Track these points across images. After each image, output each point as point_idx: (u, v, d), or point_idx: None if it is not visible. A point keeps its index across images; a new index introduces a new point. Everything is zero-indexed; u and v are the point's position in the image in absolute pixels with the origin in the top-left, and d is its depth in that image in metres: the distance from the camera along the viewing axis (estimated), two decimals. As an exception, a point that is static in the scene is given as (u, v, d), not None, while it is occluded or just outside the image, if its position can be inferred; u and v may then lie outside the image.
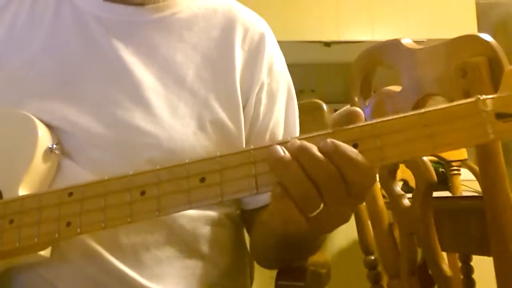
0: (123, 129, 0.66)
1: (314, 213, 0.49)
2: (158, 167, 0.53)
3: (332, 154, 0.47)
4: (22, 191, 0.61)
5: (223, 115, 0.71)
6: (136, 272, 0.64)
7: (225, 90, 0.72)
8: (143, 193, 0.53)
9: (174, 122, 0.68)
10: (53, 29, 0.73)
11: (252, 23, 0.79)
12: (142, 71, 0.70)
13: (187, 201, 0.52)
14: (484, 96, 0.47)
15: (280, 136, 0.76)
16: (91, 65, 0.70)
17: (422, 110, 0.48)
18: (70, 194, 0.56)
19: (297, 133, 0.79)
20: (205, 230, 0.70)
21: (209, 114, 0.70)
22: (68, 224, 0.55)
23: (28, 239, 0.56)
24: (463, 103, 0.48)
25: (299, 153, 0.48)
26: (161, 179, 0.53)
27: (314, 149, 0.48)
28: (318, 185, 0.48)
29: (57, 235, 0.55)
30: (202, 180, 0.52)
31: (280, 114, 0.77)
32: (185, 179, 0.52)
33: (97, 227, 0.55)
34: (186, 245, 0.68)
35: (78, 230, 0.55)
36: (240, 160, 0.51)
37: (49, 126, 0.66)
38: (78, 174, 0.64)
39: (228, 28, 0.76)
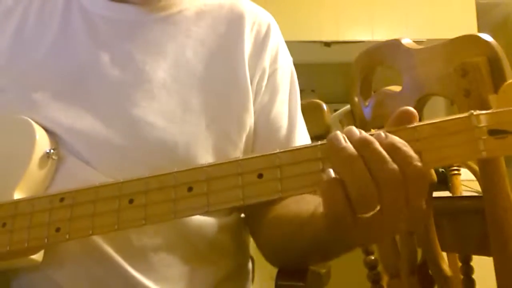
0: (137, 126, 0.66)
1: (367, 215, 0.46)
2: (147, 175, 0.53)
3: (394, 152, 0.45)
4: (18, 195, 0.61)
5: (234, 107, 0.72)
6: (143, 275, 0.64)
7: (235, 82, 0.73)
8: (131, 201, 0.53)
9: (187, 117, 0.69)
10: (63, 30, 0.74)
11: (258, 15, 0.80)
12: (153, 69, 0.70)
13: (173, 211, 0.51)
14: (477, 112, 0.45)
15: (283, 128, 0.76)
16: (102, 66, 0.70)
17: (414, 124, 0.47)
18: (62, 199, 0.56)
19: (300, 127, 0.79)
20: (213, 234, 0.70)
21: (221, 107, 0.71)
22: (58, 229, 0.55)
23: (18, 243, 0.56)
24: (456, 118, 0.46)
25: (362, 146, 0.45)
26: (150, 187, 0.53)
27: (377, 144, 0.45)
28: (380, 185, 0.45)
29: (46, 240, 0.55)
30: (190, 189, 0.51)
31: (284, 106, 0.77)
32: (172, 188, 0.52)
33: (85, 234, 0.55)
34: (193, 249, 0.68)
35: (67, 236, 0.55)
36: (227, 170, 0.50)
37: (61, 127, 0.66)
38: (92, 175, 0.64)
39: (235, 22, 0.77)
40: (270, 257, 0.74)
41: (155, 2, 0.75)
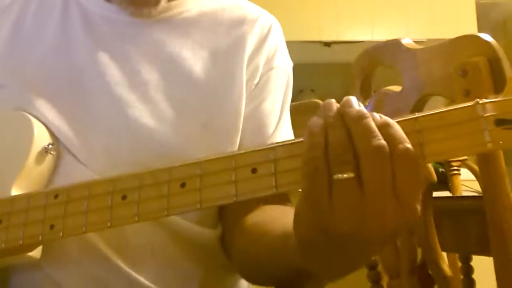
0: (132, 128, 0.66)
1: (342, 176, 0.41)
2: (142, 171, 0.52)
3: (385, 129, 0.41)
4: (15, 191, 0.61)
5: (231, 111, 0.72)
6: (141, 274, 0.64)
7: (233, 85, 0.73)
8: (124, 197, 0.52)
9: (182, 118, 0.68)
10: (61, 29, 0.73)
11: (261, 17, 0.79)
12: (149, 70, 0.70)
13: (166, 208, 0.50)
14: (484, 100, 0.42)
15: (271, 127, 0.75)
16: (99, 66, 0.70)
17: (416, 115, 0.44)
18: (56, 196, 0.55)
19: (285, 130, 0.77)
20: (211, 233, 0.70)
21: (217, 110, 0.71)
22: (52, 227, 0.55)
23: (13, 240, 0.56)
24: (461, 108, 0.42)
25: (353, 120, 0.42)
26: (143, 183, 0.52)
27: (369, 119, 0.41)
28: (361, 156, 0.41)
29: (40, 238, 0.55)
30: (183, 185, 0.50)
31: (275, 106, 0.76)
32: (166, 183, 0.51)
33: (78, 231, 0.54)
34: (191, 248, 0.68)
35: (61, 233, 0.54)
36: (221, 165, 0.49)
37: (56, 127, 0.66)
38: (89, 176, 0.64)
39: (237, 23, 0.77)
40: (240, 272, 0.71)
41: (145, 11, 0.73)
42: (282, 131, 0.76)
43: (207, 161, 0.50)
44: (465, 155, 0.47)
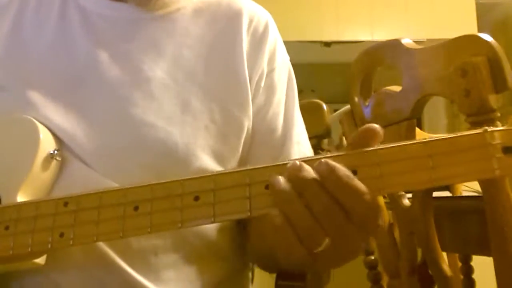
0: (136, 127, 0.66)
1: (319, 249, 0.47)
2: (153, 182, 0.52)
3: (327, 176, 0.45)
4: (21, 197, 0.60)
5: (233, 107, 0.71)
6: (143, 276, 0.64)
7: (235, 82, 0.73)
8: (136, 208, 0.52)
9: (186, 117, 0.68)
10: (60, 29, 0.73)
11: (257, 13, 0.79)
12: (152, 68, 0.70)
13: (180, 220, 0.51)
14: (492, 128, 0.44)
15: (279, 128, 0.75)
16: (100, 65, 0.70)
17: (427, 139, 0.45)
18: (66, 204, 0.55)
19: (298, 126, 0.78)
20: (213, 234, 0.70)
21: (220, 106, 0.71)
22: (61, 235, 0.54)
23: (21, 247, 0.55)
24: (470, 134, 0.44)
25: (301, 186, 0.46)
26: (155, 195, 0.52)
27: (309, 173, 0.46)
28: (316, 215, 0.46)
29: (50, 246, 0.55)
30: (196, 198, 0.50)
31: (280, 106, 0.77)
32: (179, 196, 0.51)
33: (90, 240, 0.54)
34: (193, 250, 0.68)
35: (71, 242, 0.54)
36: (235, 180, 0.49)
37: (59, 128, 0.66)
38: (93, 177, 0.64)
39: (233, 18, 0.77)
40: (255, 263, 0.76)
41: (152, 2, 0.74)
42: (296, 130, 0.77)
43: (220, 175, 0.51)
44: (474, 180, 0.48)
